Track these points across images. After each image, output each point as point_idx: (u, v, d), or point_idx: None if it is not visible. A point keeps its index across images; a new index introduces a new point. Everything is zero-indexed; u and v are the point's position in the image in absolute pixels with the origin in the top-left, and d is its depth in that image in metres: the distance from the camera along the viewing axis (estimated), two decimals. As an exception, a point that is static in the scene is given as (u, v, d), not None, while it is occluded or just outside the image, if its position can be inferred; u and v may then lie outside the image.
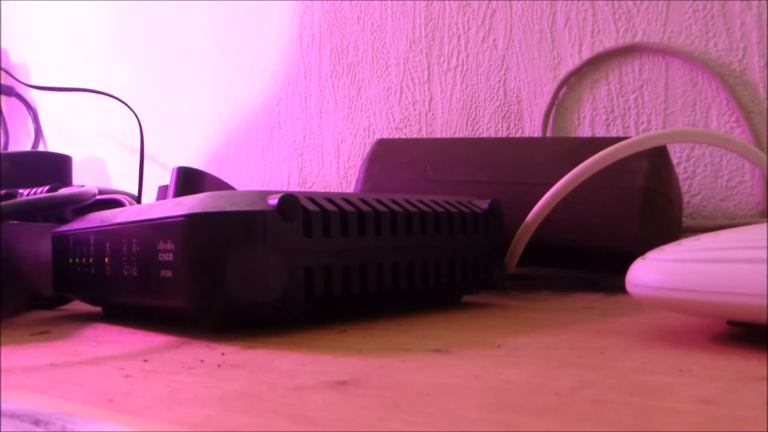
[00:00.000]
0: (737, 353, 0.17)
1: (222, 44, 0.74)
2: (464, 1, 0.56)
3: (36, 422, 0.13)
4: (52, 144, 0.93)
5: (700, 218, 0.45)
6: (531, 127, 0.53)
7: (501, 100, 0.54)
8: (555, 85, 0.51)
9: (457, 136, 0.57)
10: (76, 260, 0.30)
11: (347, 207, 0.25)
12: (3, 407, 0.14)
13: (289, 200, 0.23)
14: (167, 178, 0.70)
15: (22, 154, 0.58)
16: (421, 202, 0.28)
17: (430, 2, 0.58)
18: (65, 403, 0.15)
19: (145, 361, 0.19)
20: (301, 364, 0.18)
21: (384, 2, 0.61)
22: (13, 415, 0.14)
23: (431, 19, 0.58)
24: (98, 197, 0.38)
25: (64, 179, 0.57)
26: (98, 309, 0.34)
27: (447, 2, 0.57)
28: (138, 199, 0.54)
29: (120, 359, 0.20)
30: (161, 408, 0.14)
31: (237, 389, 0.15)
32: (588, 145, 0.36)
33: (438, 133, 0.58)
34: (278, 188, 0.69)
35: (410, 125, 0.59)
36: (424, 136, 0.58)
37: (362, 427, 0.12)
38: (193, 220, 0.22)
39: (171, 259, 0.23)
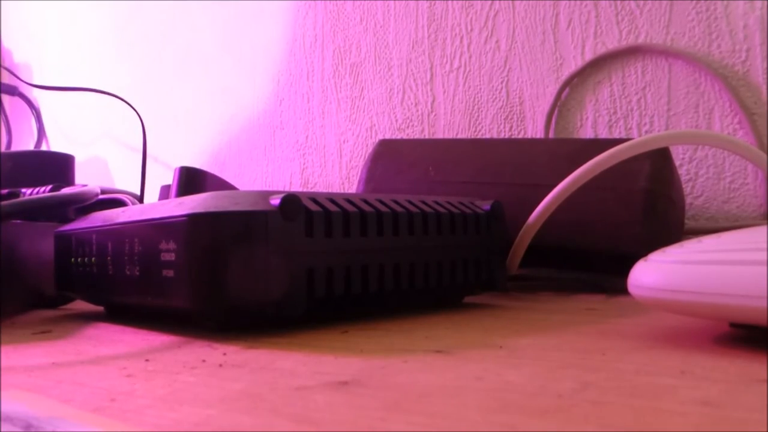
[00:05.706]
0: (739, 355, 0.17)
1: (224, 44, 0.74)
2: (467, 2, 0.56)
3: (37, 421, 0.13)
4: (55, 143, 0.93)
5: (702, 220, 0.45)
6: (533, 128, 0.53)
7: (503, 101, 0.54)
8: (557, 86, 0.51)
9: (459, 137, 0.57)
10: (79, 260, 0.30)
11: (349, 207, 0.25)
12: (3, 407, 0.14)
13: (291, 200, 0.23)
14: (169, 178, 0.70)
15: (24, 154, 0.58)
16: (423, 202, 0.28)
17: (432, 3, 0.58)
18: (67, 403, 0.15)
19: (147, 360, 0.19)
20: (302, 364, 0.18)
21: (386, 3, 0.61)
22: (15, 416, 0.14)
23: (434, 20, 0.58)
24: (100, 197, 0.38)
25: (66, 179, 0.57)
26: (100, 308, 0.34)
27: (450, 3, 0.57)
28: (140, 199, 0.54)
29: (122, 359, 0.20)
30: (163, 408, 0.14)
31: (238, 389, 0.15)
32: (590, 146, 0.36)
33: (440, 134, 0.58)
34: (280, 188, 0.69)
35: (412, 126, 0.59)
36: (427, 137, 0.58)
37: (363, 427, 0.12)
38: (195, 219, 0.22)
39: (173, 258, 0.23)
